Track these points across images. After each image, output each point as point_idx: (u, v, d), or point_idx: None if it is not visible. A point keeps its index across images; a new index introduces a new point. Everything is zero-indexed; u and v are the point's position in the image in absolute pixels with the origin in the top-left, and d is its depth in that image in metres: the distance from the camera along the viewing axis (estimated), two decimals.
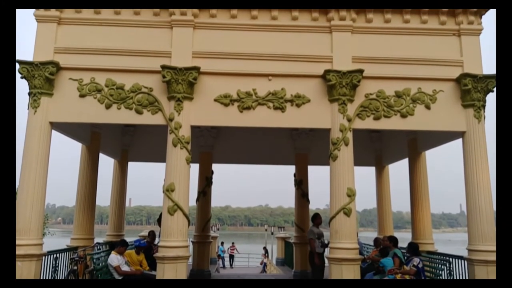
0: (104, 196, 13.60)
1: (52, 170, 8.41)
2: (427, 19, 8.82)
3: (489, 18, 9.64)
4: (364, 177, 16.25)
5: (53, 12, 8.39)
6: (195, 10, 8.50)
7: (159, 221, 8.98)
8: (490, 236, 7.89)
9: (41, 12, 8.39)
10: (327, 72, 8.34)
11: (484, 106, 8.51)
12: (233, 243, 28.52)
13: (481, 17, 8.91)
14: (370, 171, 14.23)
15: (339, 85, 8.29)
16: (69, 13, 8.51)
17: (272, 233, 38.66)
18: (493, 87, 8.48)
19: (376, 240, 10.90)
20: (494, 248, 7.35)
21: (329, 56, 8.58)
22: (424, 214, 10.82)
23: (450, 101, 8.59)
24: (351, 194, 8.04)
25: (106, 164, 13.25)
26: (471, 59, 8.68)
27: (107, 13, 8.55)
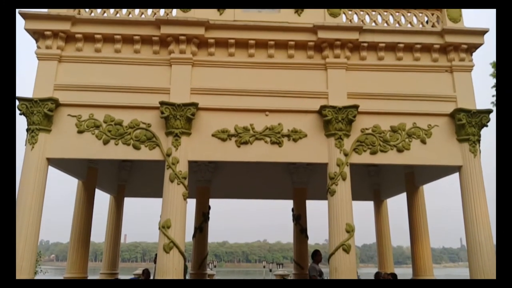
0: (98, 232, 13.39)
1: (47, 206, 8.33)
2: (420, 56, 9.07)
3: (480, 55, 9.89)
4: (363, 211, 16.13)
5: (54, 50, 8.58)
6: (194, 49, 8.73)
7: (155, 261, 8.81)
8: (492, 272, 7.76)
9: (43, 50, 8.59)
10: (323, 107, 8.46)
11: (479, 141, 8.61)
12: None
13: (471, 54, 9.18)
14: (369, 205, 14.15)
15: (335, 120, 8.40)
16: (69, 51, 8.71)
17: (270, 270, 37.79)
18: (487, 122, 8.62)
19: (377, 275, 10.65)
20: None
21: (325, 92, 8.74)
22: (424, 249, 10.68)
23: (445, 136, 8.69)
24: (350, 230, 7.96)
25: (101, 199, 13.14)
26: (464, 95, 8.86)
27: (107, 51, 8.76)
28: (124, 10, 8.97)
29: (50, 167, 8.36)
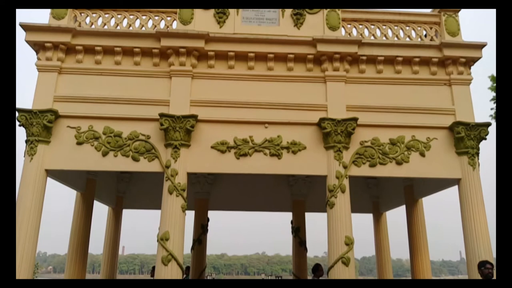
0: (96, 244, 13.28)
1: (45, 218, 8.29)
2: (418, 69, 9.13)
3: (479, 68, 9.98)
4: (362, 223, 16.05)
5: (54, 62, 8.62)
6: (194, 61, 8.78)
7: (152, 274, 8.76)
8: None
9: (43, 62, 8.63)
10: (322, 120, 8.49)
11: (478, 154, 8.62)
12: None
13: (470, 68, 9.24)
14: (368, 218, 14.09)
15: (334, 132, 8.41)
16: (70, 63, 8.76)
17: None
18: (486, 135, 8.64)
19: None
20: None
21: (324, 104, 8.77)
22: (423, 262, 10.64)
23: (444, 149, 8.71)
24: (349, 243, 7.92)
25: (99, 211, 13.07)
26: (463, 108, 8.90)
27: (107, 63, 8.80)
28: (125, 23, 9.05)
29: (48, 179, 8.34)
